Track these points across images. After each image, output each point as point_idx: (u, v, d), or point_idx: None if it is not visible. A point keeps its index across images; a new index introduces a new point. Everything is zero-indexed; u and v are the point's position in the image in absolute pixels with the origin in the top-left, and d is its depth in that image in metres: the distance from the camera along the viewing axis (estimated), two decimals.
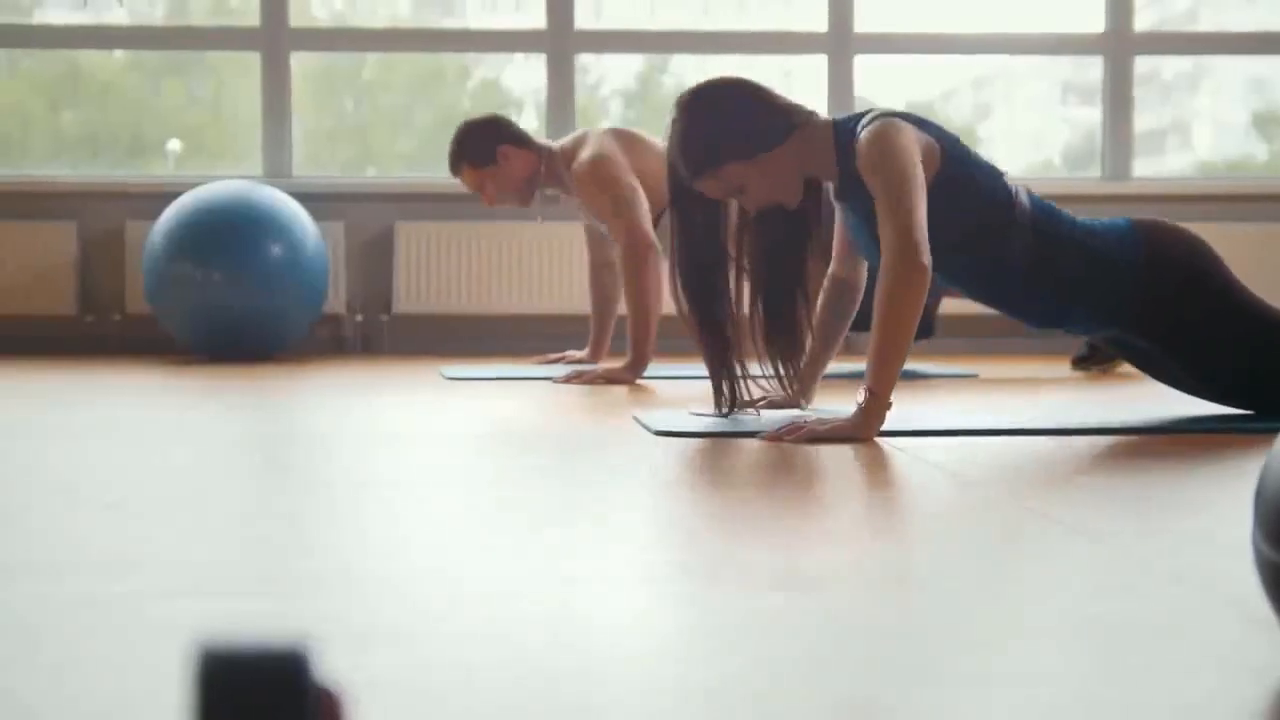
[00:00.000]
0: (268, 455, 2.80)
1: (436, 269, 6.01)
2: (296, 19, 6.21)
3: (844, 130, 2.99)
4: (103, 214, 5.95)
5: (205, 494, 2.24)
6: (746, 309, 3.16)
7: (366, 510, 2.12)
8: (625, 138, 4.62)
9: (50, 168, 6.51)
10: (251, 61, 6.17)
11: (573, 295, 5.94)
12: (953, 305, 5.01)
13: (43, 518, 2.01)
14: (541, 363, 5.12)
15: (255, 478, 2.47)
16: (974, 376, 4.72)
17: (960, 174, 2.95)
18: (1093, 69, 6.48)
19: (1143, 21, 6.54)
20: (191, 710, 0.69)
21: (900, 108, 3.02)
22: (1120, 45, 6.31)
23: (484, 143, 4.67)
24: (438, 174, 6.46)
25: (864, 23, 6.27)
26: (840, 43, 6.23)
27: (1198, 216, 6.20)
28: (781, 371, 3.16)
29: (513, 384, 4.37)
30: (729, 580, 1.60)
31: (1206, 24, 7.28)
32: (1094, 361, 4.78)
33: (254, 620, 1.40)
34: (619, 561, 1.71)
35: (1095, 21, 6.34)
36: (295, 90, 6.22)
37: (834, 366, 3.42)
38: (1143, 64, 6.61)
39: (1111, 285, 3.00)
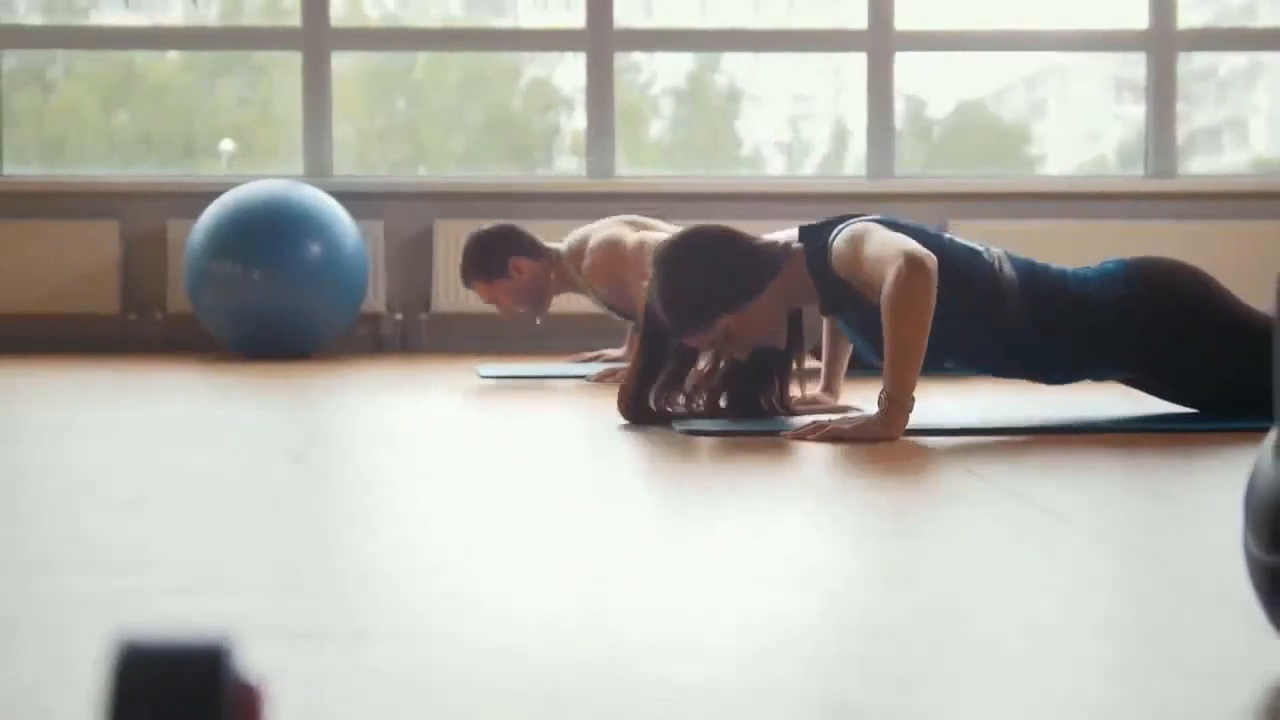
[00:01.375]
0: (289, 454, 2.81)
1: None
2: (338, 19, 6.24)
3: (814, 249, 2.98)
4: (145, 213, 5.99)
5: (222, 492, 2.25)
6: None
7: (380, 509, 2.13)
8: (630, 222, 4.66)
9: (103, 168, 6.57)
10: (298, 61, 6.20)
11: None
12: None
13: (61, 514, 2.02)
14: (577, 361, 5.13)
15: (273, 476, 2.48)
16: None
17: (941, 262, 2.90)
18: (1144, 66, 6.41)
19: (1198, 17, 6.47)
20: (105, 703, 0.70)
21: (868, 216, 3.01)
22: (1163, 42, 6.26)
23: (495, 256, 4.70)
24: (477, 173, 6.49)
25: (904, 20, 6.24)
26: (880, 40, 6.21)
27: (1245, 214, 6.15)
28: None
29: (547, 382, 4.38)
30: (729, 580, 1.60)
31: (1265, 19, 7.17)
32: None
33: (243, 616, 1.40)
34: (621, 560, 1.71)
35: (1139, 18, 6.28)
36: (348, 90, 6.26)
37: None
38: (1199, 60, 6.55)
39: (1117, 329, 2.99)
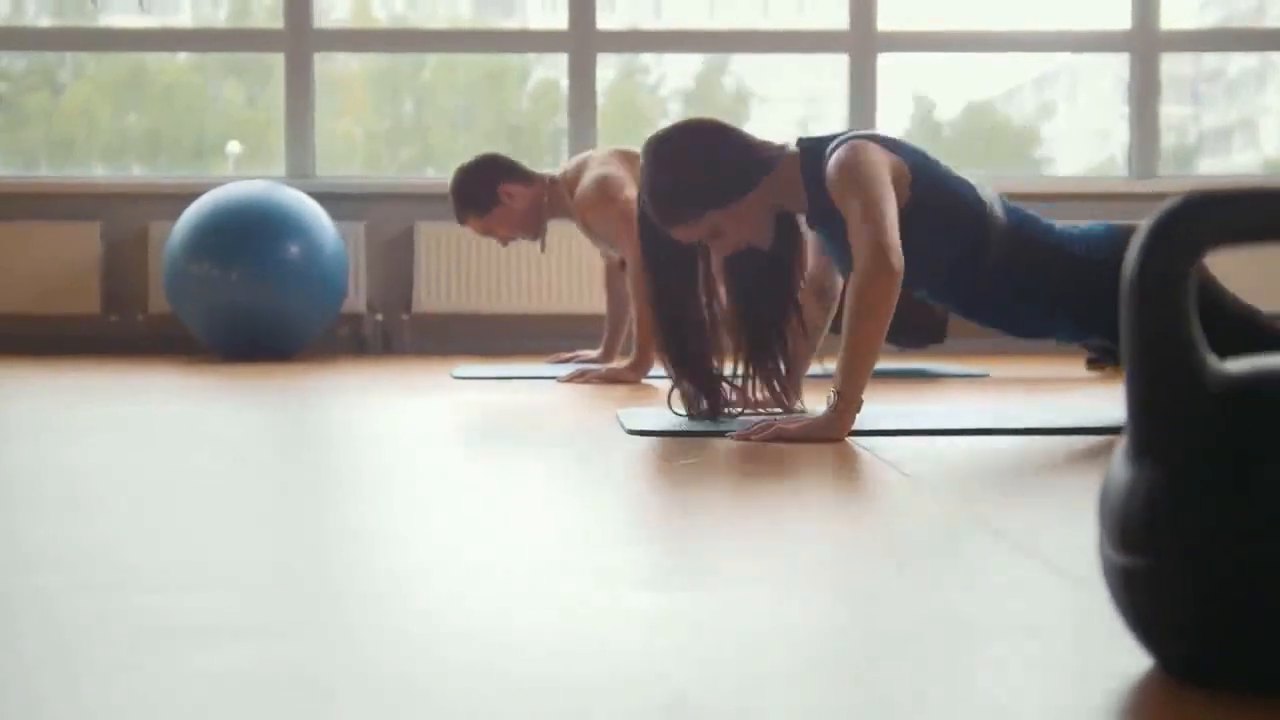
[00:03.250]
0: (247, 455, 2.83)
1: (456, 269, 6.04)
2: (342, 19, 6.26)
3: (811, 157, 2.97)
4: (127, 215, 6.01)
5: (165, 492, 2.27)
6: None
7: (327, 510, 2.14)
8: (626, 157, 4.62)
9: (85, 170, 6.59)
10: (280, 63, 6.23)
11: (592, 295, 5.95)
12: None
13: (8, 516, 2.04)
14: (554, 361, 5.14)
15: (223, 477, 2.49)
16: (985, 376, 4.70)
17: (932, 192, 2.93)
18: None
19: (1208, 18, 6.43)
20: None
21: (870, 131, 3.01)
22: (1145, 43, 6.25)
23: (484, 187, 4.65)
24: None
25: (887, 21, 6.23)
26: (862, 41, 6.21)
27: None
28: (767, 390, 3.15)
29: (518, 383, 4.39)
30: (632, 580, 1.61)
31: (1273, 20, 7.14)
32: (1109, 362, 4.73)
33: (170, 614, 1.41)
34: (537, 559, 1.72)
35: (1123, 19, 6.28)
36: (356, 91, 6.27)
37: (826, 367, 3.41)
38: (1209, 61, 6.52)
39: (1093, 291, 2.95)
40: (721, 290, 3.08)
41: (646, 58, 6.81)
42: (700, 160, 2.96)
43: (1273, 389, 1.13)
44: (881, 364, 4.94)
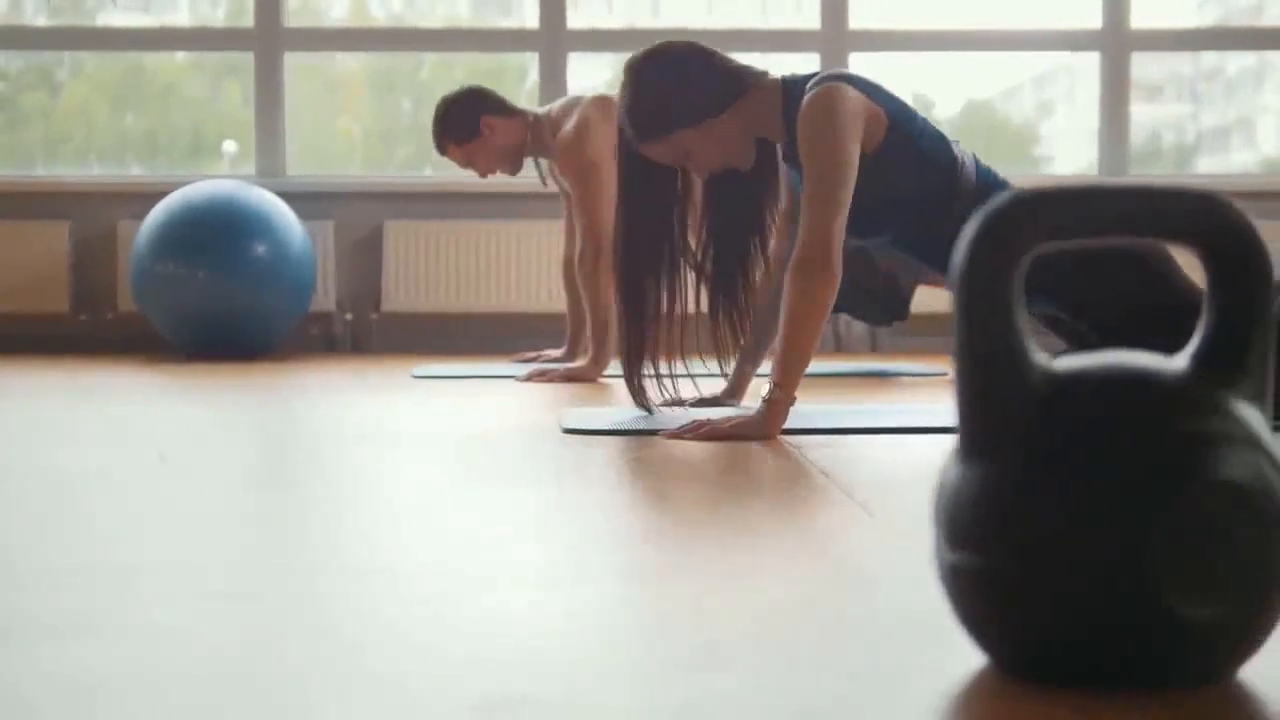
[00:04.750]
0: (159, 453, 2.83)
1: (425, 267, 6.04)
2: (340, 18, 6.26)
3: (793, 92, 2.98)
4: (96, 214, 6.01)
5: (72, 491, 2.27)
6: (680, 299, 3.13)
7: (245, 507, 2.15)
8: (612, 106, 4.61)
9: (54, 168, 6.60)
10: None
11: (560, 294, 5.94)
12: (932, 301, 4.98)
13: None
14: (519, 360, 5.15)
15: (135, 476, 2.50)
16: (943, 375, 4.70)
17: (904, 141, 2.94)
18: (1154, 65, 6.37)
19: (1205, 17, 6.41)
20: None
21: (850, 72, 3.00)
22: (1116, 41, 6.25)
23: (466, 117, 4.68)
24: (427, 173, 6.50)
25: (858, 19, 6.23)
26: (834, 40, 6.21)
27: None
28: (727, 332, 3.16)
29: (478, 382, 4.39)
30: (495, 579, 1.61)
31: (1270, 19, 7.13)
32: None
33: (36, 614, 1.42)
34: (416, 557, 1.73)
35: (1093, 18, 6.28)
36: (354, 90, 6.27)
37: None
38: (1207, 60, 6.50)
39: (1051, 259, 2.93)
40: (690, 240, 3.09)
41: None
42: (672, 78, 2.99)
43: (1096, 388, 1.13)
44: (841, 365, 4.98)
